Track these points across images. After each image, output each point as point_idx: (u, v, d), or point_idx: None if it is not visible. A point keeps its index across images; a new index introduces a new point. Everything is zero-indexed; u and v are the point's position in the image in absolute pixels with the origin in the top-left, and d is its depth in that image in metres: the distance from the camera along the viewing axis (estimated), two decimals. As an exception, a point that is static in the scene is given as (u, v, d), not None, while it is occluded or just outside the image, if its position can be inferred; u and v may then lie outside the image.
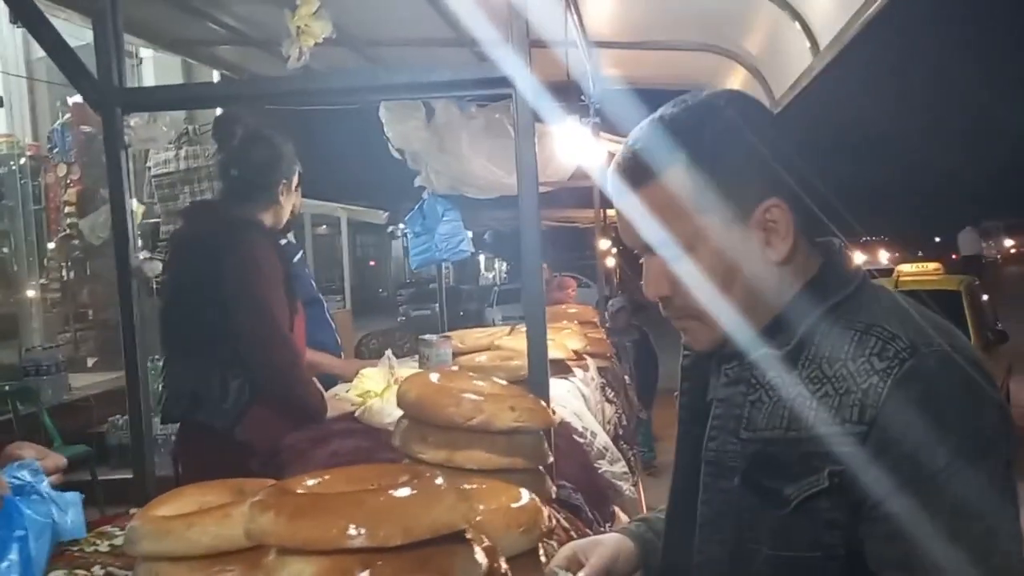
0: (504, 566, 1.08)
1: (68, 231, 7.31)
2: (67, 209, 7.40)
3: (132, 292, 1.82)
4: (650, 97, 3.96)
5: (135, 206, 2.10)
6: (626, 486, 2.57)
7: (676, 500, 1.30)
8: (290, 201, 2.77)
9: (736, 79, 4.13)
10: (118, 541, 1.46)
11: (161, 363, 2.76)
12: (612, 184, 1.18)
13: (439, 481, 0.98)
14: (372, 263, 37.15)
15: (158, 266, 2.04)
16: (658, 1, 3.48)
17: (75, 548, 1.44)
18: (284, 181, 2.71)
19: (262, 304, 2.47)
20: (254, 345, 2.47)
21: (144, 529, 1.18)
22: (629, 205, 1.15)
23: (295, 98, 2.27)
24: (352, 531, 0.87)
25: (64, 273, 7.53)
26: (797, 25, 2.90)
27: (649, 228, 1.13)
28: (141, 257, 1.93)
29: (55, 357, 6.49)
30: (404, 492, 0.93)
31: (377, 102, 4.19)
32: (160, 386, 3.64)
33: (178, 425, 2.62)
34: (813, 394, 1.08)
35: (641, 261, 1.21)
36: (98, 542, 1.51)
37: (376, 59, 4.09)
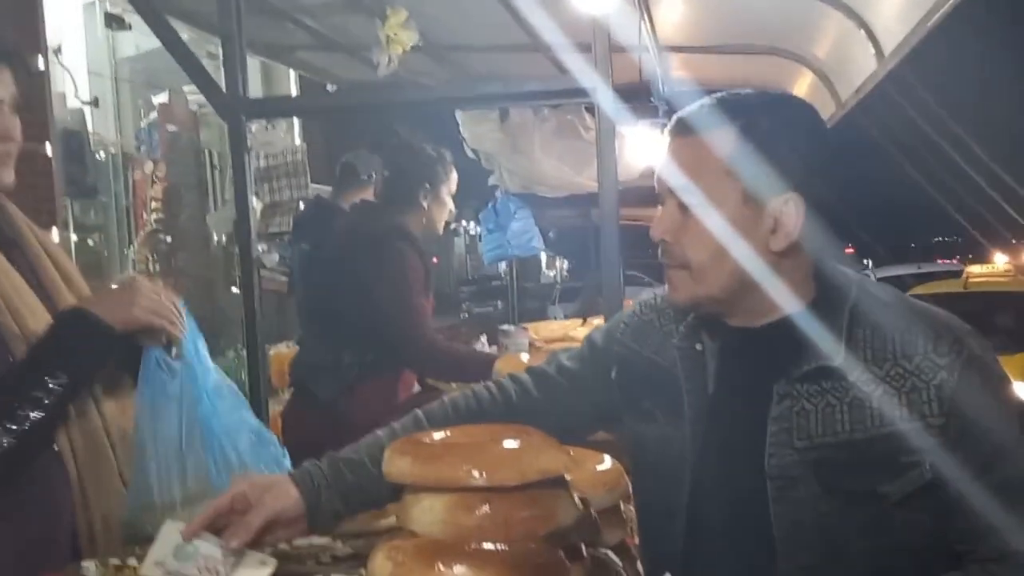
0: (594, 513, 1.26)
1: (155, 226, 7.66)
2: (153, 204, 7.74)
3: (254, 280, 2.03)
4: (719, 99, 4.07)
5: (255, 203, 2.33)
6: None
7: (696, 488, 1.28)
8: (441, 207, 2.99)
9: (804, 82, 4.21)
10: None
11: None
12: (669, 127, 1.27)
13: (542, 436, 1.16)
14: (435, 260, 37.43)
15: (275, 257, 2.24)
16: (727, 8, 3.58)
17: None
18: (427, 186, 2.92)
19: (410, 306, 2.73)
20: (404, 342, 2.74)
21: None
22: (674, 148, 1.25)
23: (395, 108, 2.45)
24: (475, 473, 1.06)
25: (150, 266, 7.88)
26: (862, 32, 3.01)
27: (681, 173, 1.23)
28: (260, 250, 2.13)
29: (149, 346, 6.82)
30: (515, 443, 1.12)
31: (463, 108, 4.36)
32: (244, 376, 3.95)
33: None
34: (869, 396, 1.17)
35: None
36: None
37: (455, 64, 4.27)
